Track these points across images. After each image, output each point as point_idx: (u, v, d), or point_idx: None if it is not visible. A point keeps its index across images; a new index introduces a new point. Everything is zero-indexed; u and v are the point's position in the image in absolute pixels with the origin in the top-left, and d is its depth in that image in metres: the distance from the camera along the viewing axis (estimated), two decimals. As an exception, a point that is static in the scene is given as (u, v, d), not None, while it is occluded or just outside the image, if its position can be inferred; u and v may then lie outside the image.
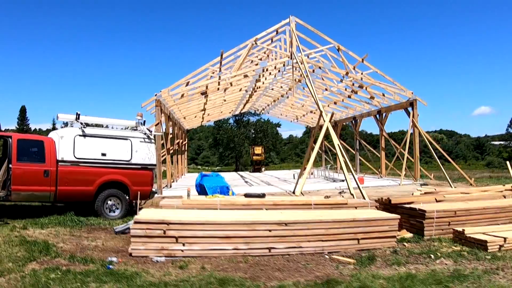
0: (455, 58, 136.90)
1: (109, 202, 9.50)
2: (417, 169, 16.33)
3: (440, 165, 15.26)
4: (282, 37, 16.68)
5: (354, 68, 16.52)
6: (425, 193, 10.91)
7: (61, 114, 9.63)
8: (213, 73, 15.78)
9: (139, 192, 9.21)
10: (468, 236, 7.20)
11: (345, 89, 18.65)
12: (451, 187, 14.01)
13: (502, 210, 8.79)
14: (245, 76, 16.29)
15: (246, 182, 19.56)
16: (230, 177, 24.30)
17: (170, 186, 16.88)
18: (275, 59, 16.43)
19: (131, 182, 9.69)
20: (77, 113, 9.47)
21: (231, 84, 17.19)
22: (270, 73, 17.86)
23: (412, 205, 8.51)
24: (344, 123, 23.47)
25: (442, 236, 7.90)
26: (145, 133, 10.17)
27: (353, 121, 21.76)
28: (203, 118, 24.82)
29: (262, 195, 9.02)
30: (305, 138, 66.46)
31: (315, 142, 28.75)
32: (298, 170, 25.51)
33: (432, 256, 6.49)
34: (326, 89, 19.44)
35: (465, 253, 6.65)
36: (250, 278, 5.42)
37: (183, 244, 6.51)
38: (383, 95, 17.41)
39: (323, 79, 18.65)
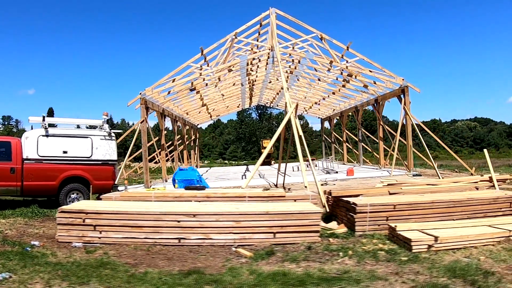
0: (485, 42, 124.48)
1: (72, 195, 10.29)
2: (410, 159, 15.57)
3: (429, 155, 14.44)
4: (269, 29, 16.63)
5: (342, 56, 16.06)
6: (388, 184, 10.49)
7: (31, 117, 10.59)
8: (201, 69, 16.16)
9: (91, 186, 9.88)
10: (398, 233, 6.85)
11: (337, 79, 18.16)
12: (439, 177, 13.26)
13: (458, 203, 8.09)
14: (230, 70, 16.47)
15: (243, 175, 19.80)
16: (235, 170, 24.73)
17: (166, 181, 17.63)
18: (259, 52, 16.44)
19: (92, 177, 10.41)
20: (43, 115, 10.34)
21: (219, 79, 17.47)
22: (258, 66, 17.87)
23: (348, 199, 8.27)
24: (350, 113, 22.82)
25: (378, 232, 7.43)
26: (106, 131, 10.84)
27: (355, 111, 21.12)
28: (209, 113, 25.37)
29: (201, 188, 9.30)
30: (336, 130, 65.10)
31: (326, 134, 28.25)
32: (299, 164, 25.21)
33: (341, 254, 6.26)
34: (319, 79, 19.04)
35: (383, 252, 6.26)
36: (131, 264, 5.79)
37: (100, 232, 7.04)
38: (374, 82, 16.73)
39: (315, 70, 18.30)
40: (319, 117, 28.18)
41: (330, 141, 27.07)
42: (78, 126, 13.15)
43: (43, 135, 10.16)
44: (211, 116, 27.08)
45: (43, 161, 10.06)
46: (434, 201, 7.94)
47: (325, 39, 15.57)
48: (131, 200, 8.68)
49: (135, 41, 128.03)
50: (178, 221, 7.04)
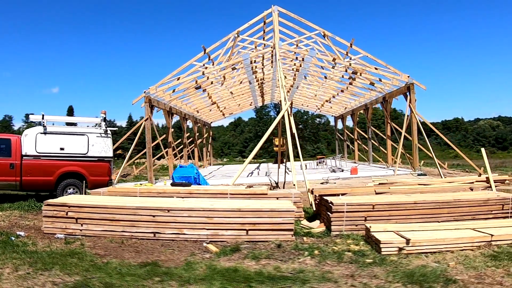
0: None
1: (68, 190, 10.71)
2: (415, 158, 15.03)
3: (432, 154, 13.86)
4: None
5: (347, 54, 15.77)
6: (380, 184, 10.20)
7: (32, 116, 11.11)
8: (205, 68, 16.34)
9: (84, 181, 10.25)
10: (371, 234, 6.59)
11: (343, 76, 17.81)
12: (442, 177, 12.74)
13: (444, 205, 7.69)
14: (233, 68, 16.55)
15: (250, 173, 19.85)
16: (245, 168, 24.75)
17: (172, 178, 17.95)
18: (262, 49, 16.40)
19: (88, 173, 10.79)
20: (42, 114, 10.82)
21: (224, 77, 17.58)
22: (263, 64, 17.81)
23: (328, 197, 8.09)
24: (361, 111, 22.31)
25: (355, 232, 7.21)
26: (102, 129, 11.21)
27: (365, 109, 20.65)
28: (221, 111, 25.54)
29: (186, 185, 9.42)
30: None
31: (340, 132, 27.74)
32: (310, 162, 24.93)
33: (306, 253, 6.13)
34: (326, 77, 18.74)
35: (350, 253, 6.07)
36: (100, 255, 6.04)
37: (81, 225, 7.29)
38: (380, 80, 16.28)
39: (322, 68, 18.03)
40: (332, 115, 27.75)
41: (343, 139, 26.61)
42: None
43: (41, 133, 10.64)
44: (223, 114, 27.27)
45: (41, 157, 10.53)
46: (416, 202, 7.63)
47: (328, 36, 15.33)
48: (118, 195, 8.92)
49: (158, 41, 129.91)
50: (153, 216, 7.18)
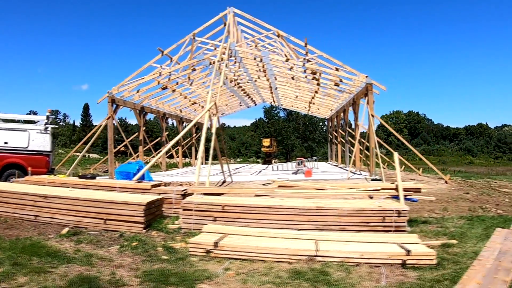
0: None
1: (11, 179, 11.98)
2: (372, 163, 14.61)
3: (379, 158, 13.51)
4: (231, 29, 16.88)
5: (306, 53, 15.77)
6: (279, 186, 10.28)
7: None
8: (167, 70, 17.09)
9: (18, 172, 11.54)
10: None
11: (306, 77, 17.73)
12: (383, 182, 12.38)
13: (303, 212, 7.28)
14: (193, 69, 17.18)
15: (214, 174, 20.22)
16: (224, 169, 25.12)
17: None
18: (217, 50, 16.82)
19: (28, 164, 12.00)
20: None
21: (189, 78, 18.27)
22: (226, 66, 18.20)
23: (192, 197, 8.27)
24: (341, 114, 21.94)
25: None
26: (43, 126, 12.40)
27: (343, 111, 20.34)
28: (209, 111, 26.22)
29: (91, 177, 10.19)
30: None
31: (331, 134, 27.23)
32: (291, 163, 24.65)
33: (127, 243, 6.57)
34: (292, 78, 18.76)
35: (162, 248, 6.24)
36: None
37: None
38: (341, 80, 16.04)
39: (291, 69, 18.08)
40: (324, 117, 27.43)
41: (333, 142, 26.25)
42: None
43: None
44: (214, 114, 27.89)
45: (-12, 150, 11.93)
46: (271, 206, 7.36)
47: (283, 36, 15.45)
48: (31, 184, 9.94)
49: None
50: (35, 201, 8.07)
